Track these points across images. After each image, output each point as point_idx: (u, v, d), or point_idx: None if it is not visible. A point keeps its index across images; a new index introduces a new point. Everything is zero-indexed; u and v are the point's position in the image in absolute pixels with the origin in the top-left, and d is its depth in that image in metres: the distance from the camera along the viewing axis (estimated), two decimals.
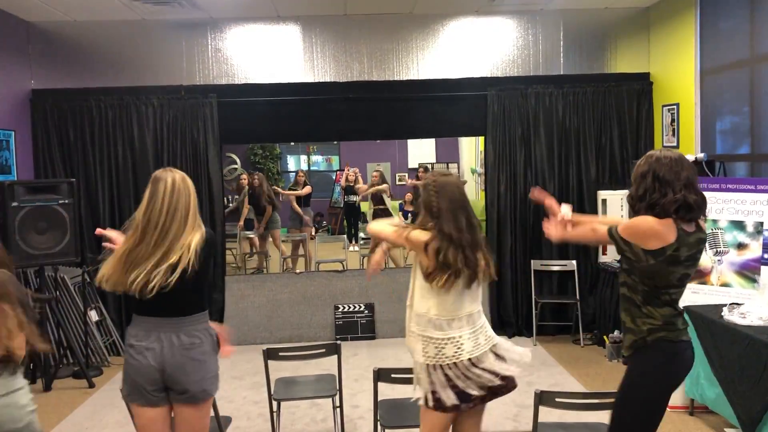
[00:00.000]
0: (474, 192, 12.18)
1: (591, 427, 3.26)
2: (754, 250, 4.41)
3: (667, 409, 4.29)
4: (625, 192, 4.79)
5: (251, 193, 9.01)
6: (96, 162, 6.26)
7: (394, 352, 5.91)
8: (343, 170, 10.67)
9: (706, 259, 4.57)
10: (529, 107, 6.41)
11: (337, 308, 6.49)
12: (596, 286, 6.28)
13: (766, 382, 3.38)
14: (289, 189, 9.82)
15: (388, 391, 3.47)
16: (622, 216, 5.60)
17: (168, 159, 6.26)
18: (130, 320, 2.75)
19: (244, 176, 9.48)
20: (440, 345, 2.76)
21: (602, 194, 6.03)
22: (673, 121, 5.99)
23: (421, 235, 2.78)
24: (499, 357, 2.82)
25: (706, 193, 4.43)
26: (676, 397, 4.40)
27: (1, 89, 5.77)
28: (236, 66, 6.44)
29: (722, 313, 3.88)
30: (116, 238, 2.81)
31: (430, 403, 2.76)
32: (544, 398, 2.92)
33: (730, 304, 3.98)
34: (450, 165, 12.57)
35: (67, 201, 5.41)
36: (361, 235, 9.23)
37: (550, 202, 3.04)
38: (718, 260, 4.53)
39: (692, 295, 4.55)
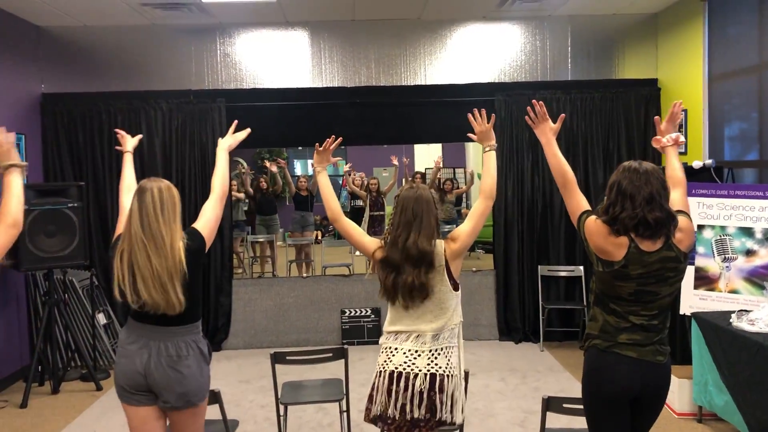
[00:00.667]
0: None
1: None
2: (763, 256, 4.39)
3: (675, 416, 4.28)
4: None
5: (259, 195, 9.02)
6: (105, 166, 6.29)
7: None
8: (350, 175, 10.66)
9: (714, 265, 4.56)
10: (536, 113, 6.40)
11: (343, 312, 6.50)
12: None
13: None
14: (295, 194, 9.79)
15: None
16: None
17: (176, 163, 6.29)
18: None
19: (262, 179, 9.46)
20: (381, 351, 2.76)
21: None
22: (681, 127, 5.97)
23: (371, 245, 2.82)
24: (440, 389, 2.63)
25: (713, 200, 4.38)
26: (684, 404, 4.40)
27: (11, 93, 5.81)
28: (245, 71, 6.47)
29: (731, 320, 3.87)
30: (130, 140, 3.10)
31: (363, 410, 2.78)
32: (551, 404, 2.92)
33: (739, 311, 3.96)
34: (456, 170, 12.56)
35: (76, 204, 5.43)
36: None
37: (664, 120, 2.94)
38: (727, 267, 4.52)
39: (700, 302, 4.54)
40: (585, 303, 6.20)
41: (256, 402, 4.98)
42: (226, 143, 3.20)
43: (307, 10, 6.10)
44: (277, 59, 6.48)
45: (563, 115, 2.99)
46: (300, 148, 13.74)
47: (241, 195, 9.09)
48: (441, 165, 9.21)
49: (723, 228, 4.55)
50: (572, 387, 5.15)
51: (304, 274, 7.45)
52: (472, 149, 12.98)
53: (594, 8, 6.26)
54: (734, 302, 4.40)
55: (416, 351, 2.67)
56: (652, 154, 6.34)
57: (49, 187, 5.58)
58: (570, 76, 6.55)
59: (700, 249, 4.62)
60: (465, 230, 2.77)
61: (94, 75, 6.37)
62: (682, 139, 2.90)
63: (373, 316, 6.48)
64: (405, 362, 2.66)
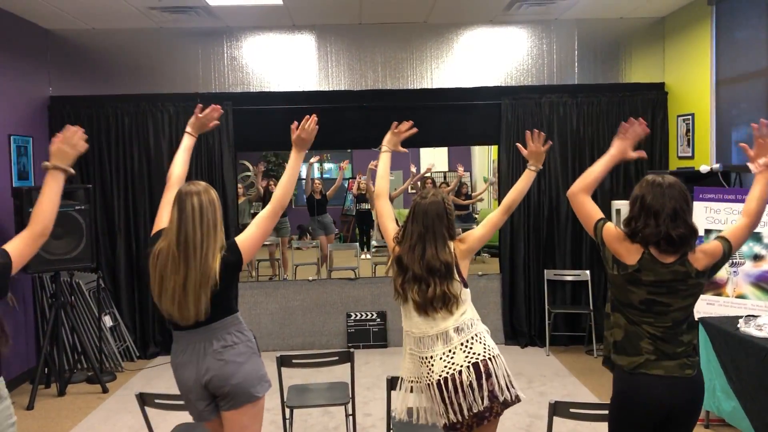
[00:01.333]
0: (487, 201, 12.17)
1: None
2: None
3: None
4: None
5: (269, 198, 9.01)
6: (112, 168, 6.31)
7: None
8: (356, 178, 10.68)
9: (722, 270, 4.53)
10: (543, 117, 6.40)
11: (349, 316, 6.50)
12: None
13: None
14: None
15: None
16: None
17: None
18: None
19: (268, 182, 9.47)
20: (416, 362, 2.77)
21: (616, 204, 6.00)
22: (688, 131, 5.96)
23: (392, 232, 2.90)
24: (487, 374, 2.67)
25: (721, 204, 4.38)
26: None
27: (19, 96, 5.84)
28: (251, 74, 6.49)
29: (738, 325, 3.85)
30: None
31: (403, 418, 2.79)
32: (558, 409, 2.91)
33: (746, 316, 3.95)
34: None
35: (83, 207, 5.46)
36: (374, 243, 9.24)
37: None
38: (734, 272, 4.49)
39: (707, 307, 4.52)
40: (591, 307, 6.18)
41: None
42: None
43: (314, 14, 6.11)
44: (284, 62, 6.50)
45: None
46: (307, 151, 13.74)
47: (244, 198, 9.09)
48: (433, 169, 9.41)
49: None
50: (578, 391, 5.13)
51: (310, 278, 7.42)
52: (478, 153, 12.97)
53: (601, 12, 6.25)
54: (742, 307, 4.37)
55: (450, 351, 2.70)
56: (659, 159, 6.33)
57: None
58: (577, 80, 6.54)
59: None
60: (476, 235, 2.86)
61: (101, 78, 6.40)
62: None
63: (378, 320, 6.48)
64: (445, 367, 2.68)
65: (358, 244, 9.76)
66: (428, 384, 2.72)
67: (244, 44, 6.49)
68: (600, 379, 5.39)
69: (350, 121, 6.50)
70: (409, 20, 6.38)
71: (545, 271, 6.38)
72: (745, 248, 4.47)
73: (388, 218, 3.01)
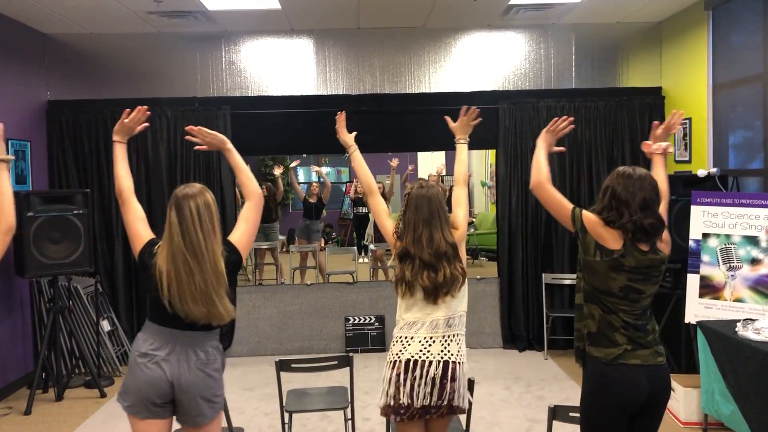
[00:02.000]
0: (484, 205, 12.19)
1: None
2: None
3: (681, 425, 4.27)
4: None
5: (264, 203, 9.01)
6: (110, 173, 6.29)
7: None
8: (353, 182, 10.70)
9: (719, 274, 4.55)
10: (541, 121, 6.41)
11: (347, 320, 6.50)
12: None
13: None
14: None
15: None
16: None
17: (181, 170, 6.31)
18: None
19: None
20: (395, 341, 2.81)
21: None
22: (685, 135, 5.98)
23: (391, 228, 2.92)
24: (452, 377, 2.71)
25: (718, 209, 4.40)
26: (690, 413, 4.39)
27: (17, 100, 5.84)
28: (250, 78, 6.50)
29: (736, 329, 3.86)
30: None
31: (380, 403, 2.81)
32: (558, 413, 2.92)
33: (744, 320, 3.96)
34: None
35: (81, 211, 5.45)
36: (371, 246, 9.24)
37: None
38: (732, 275, 4.51)
39: (705, 310, 4.53)
40: None
41: (261, 409, 4.97)
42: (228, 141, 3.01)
43: (312, 18, 6.12)
44: (281, 67, 6.51)
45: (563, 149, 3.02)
46: (304, 155, 13.77)
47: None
48: (443, 172, 9.28)
49: (728, 236, 4.55)
50: (577, 395, 5.10)
51: (308, 282, 7.44)
52: (475, 158, 13.00)
53: (598, 17, 6.27)
54: (739, 311, 4.38)
55: (431, 338, 2.74)
56: None
57: (55, 194, 5.60)
58: (574, 85, 6.56)
59: (705, 257, 4.62)
60: (460, 216, 2.96)
61: (99, 82, 6.40)
62: (670, 149, 2.94)
63: (377, 323, 6.47)
64: (420, 350, 2.73)
65: (355, 247, 9.76)
66: (397, 360, 2.74)
67: (243, 49, 6.50)
68: None
69: (348, 124, 6.47)
70: (407, 25, 6.40)
71: (543, 274, 6.39)
72: (742, 252, 4.48)
73: (385, 214, 3.03)
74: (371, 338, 6.46)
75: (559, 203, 2.71)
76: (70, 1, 5.30)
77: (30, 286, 5.83)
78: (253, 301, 6.52)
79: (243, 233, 2.74)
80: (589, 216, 2.59)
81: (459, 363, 2.74)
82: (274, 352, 6.33)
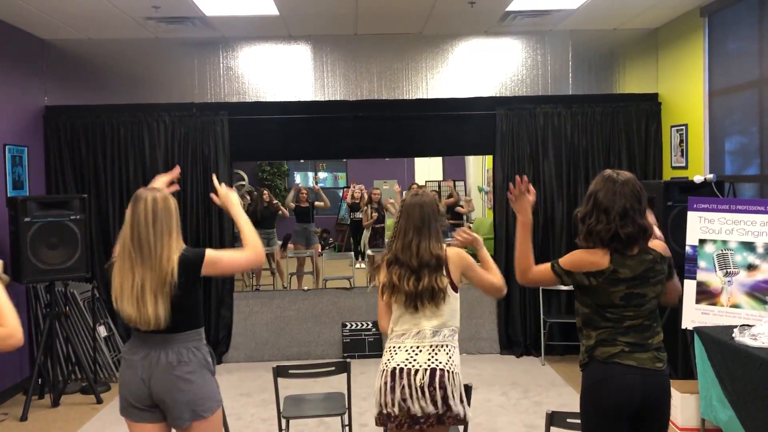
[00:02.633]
0: (481, 210, 12.19)
1: None
2: (765, 271, 4.39)
3: (678, 431, 4.26)
4: None
5: (263, 208, 9.01)
6: (107, 178, 6.30)
7: None
8: (350, 187, 10.70)
9: (716, 280, 4.56)
10: (538, 127, 6.44)
11: (344, 326, 6.49)
12: None
13: None
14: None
15: None
16: None
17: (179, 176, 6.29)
18: None
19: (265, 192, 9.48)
20: (384, 352, 2.85)
21: None
22: (681, 141, 6.00)
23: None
24: (441, 385, 2.70)
25: (715, 215, 4.41)
26: (687, 419, 4.39)
27: (15, 105, 5.84)
28: (247, 84, 6.51)
29: (733, 335, 3.86)
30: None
31: (375, 413, 2.85)
32: (555, 419, 2.92)
33: (741, 325, 3.95)
34: (456, 183, 12.58)
35: (78, 217, 5.44)
36: (368, 252, 9.24)
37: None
38: (728, 281, 4.52)
39: (702, 316, 4.54)
40: None
41: (258, 416, 4.96)
42: (234, 198, 2.91)
43: (310, 25, 6.14)
44: (279, 73, 6.52)
45: (532, 190, 2.86)
46: (302, 161, 13.79)
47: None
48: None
49: (724, 242, 4.55)
50: (574, 401, 5.10)
51: (305, 287, 7.43)
52: (472, 163, 13.01)
53: (595, 23, 6.30)
54: (736, 317, 4.39)
55: (417, 347, 2.76)
56: (653, 169, 6.37)
57: (52, 200, 5.59)
58: (571, 91, 6.58)
59: (701, 263, 4.62)
60: (473, 273, 2.97)
61: (97, 88, 6.40)
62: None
63: (374, 329, 6.47)
64: (407, 359, 2.75)
65: (352, 253, 9.75)
66: (385, 369, 2.77)
67: (240, 54, 6.51)
68: None
69: (345, 130, 6.52)
70: (404, 31, 6.42)
71: None
72: (739, 258, 4.49)
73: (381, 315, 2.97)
74: (368, 344, 6.45)
75: (543, 276, 2.71)
76: (68, 6, 5.31)
77: (26, 291, 5.82)
78: (251, 306, 6.51)
79: (222, 257, 2.67)
80: (566, 260, 2.61)
81: (448, 371, 2.73)
82: (271, 358, 6.32)
